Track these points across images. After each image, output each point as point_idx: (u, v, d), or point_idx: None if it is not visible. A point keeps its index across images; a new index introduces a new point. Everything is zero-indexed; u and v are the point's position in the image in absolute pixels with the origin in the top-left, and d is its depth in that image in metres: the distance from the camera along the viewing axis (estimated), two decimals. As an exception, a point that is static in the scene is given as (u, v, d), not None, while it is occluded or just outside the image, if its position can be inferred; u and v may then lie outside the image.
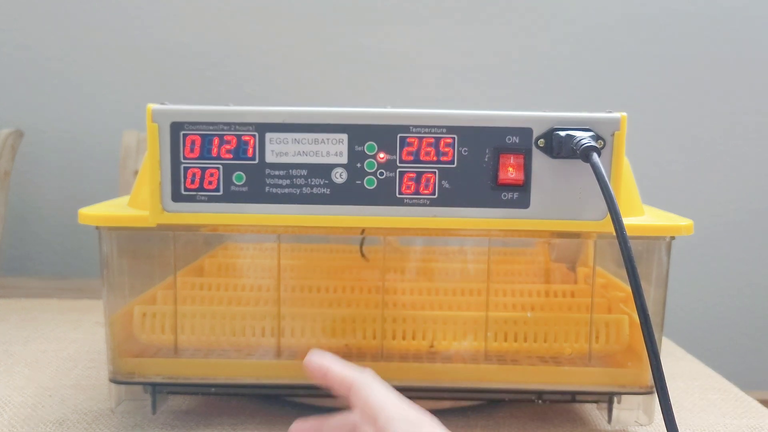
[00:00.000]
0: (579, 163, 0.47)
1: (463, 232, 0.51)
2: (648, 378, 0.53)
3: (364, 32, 1.20)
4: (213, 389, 0.55)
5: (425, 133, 0.48)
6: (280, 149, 0.49)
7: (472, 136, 0.48)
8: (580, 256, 0.67)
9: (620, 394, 0.54)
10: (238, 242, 0.73)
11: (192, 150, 0.49)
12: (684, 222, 0.52)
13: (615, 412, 0.55)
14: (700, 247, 1.25)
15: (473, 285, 0.64)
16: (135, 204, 0.54)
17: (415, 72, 1.21)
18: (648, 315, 0.41)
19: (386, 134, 0.48)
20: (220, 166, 0.49)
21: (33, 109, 1.20)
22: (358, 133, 0.48)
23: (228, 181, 0.49)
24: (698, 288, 1.27)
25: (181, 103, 0.50)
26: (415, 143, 0.48)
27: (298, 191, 0.49)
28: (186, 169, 0.49)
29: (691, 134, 1.24)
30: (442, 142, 0.48)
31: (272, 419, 0.55)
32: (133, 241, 0.55)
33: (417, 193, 0.49)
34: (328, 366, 0.43)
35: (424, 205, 0.49)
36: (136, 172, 1.07)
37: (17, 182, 1.19)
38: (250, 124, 0.48)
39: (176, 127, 0.48)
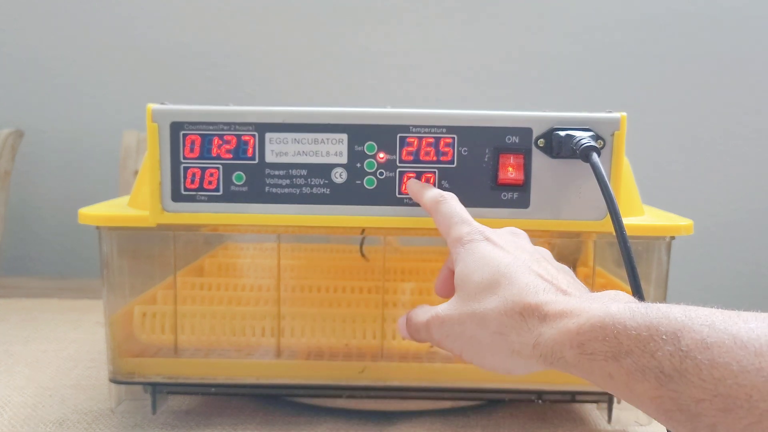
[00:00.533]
0: (579, 163, 0.47)
1: (463, 232, 0.51)
2: (648, 378, 0.53)
3: (364, 32, 1.20)
4: (213, 389, 0.55)
5: (425, 133, 0.48)
6: (280, 149, 0.49)
7: (471, 136, 0.48)
8: (579, 256, 0.67)
9: (620, 394, 0.54)
10: (238, 242, 0.73)
11: (192, 150, 0.49)
12: (684, 222, 0.52)
13: (615, 412, 0.55)
14: (700, 247, 1.25)
15: (473, 285, 0.64)
16: (135, 204, 0.54)
17: (415, 72, 1.21)
18: (648, 315, 0.41)
19: (386, 134, 0.48)
20: (220, 166, 0.49)
21: (33, 109, 1.20)
22: (358, 133, 0.48)
23: (228, 181, 0.49)
24: (698, 288, 1.27)
25: (181, 103, 0.50)
26: (415, 143, 0.48)
27: (298, 191, 0.49)
28: (186, 169, 0.49)
29: (691, 134, 1.24)
30: (441, 142, 0.48)
31: (272, 419, 0.55)
32: (133, 241, 0.55)
33: (417, 193, 0.49)
34: (417, 190, 0.48)
35: (424, 205, 0.49)
36: (136, 172, 1.07)
37: (17, 182, 1.19)
38: (250, 124, 0.48)
39: (176, 127, 0.48)
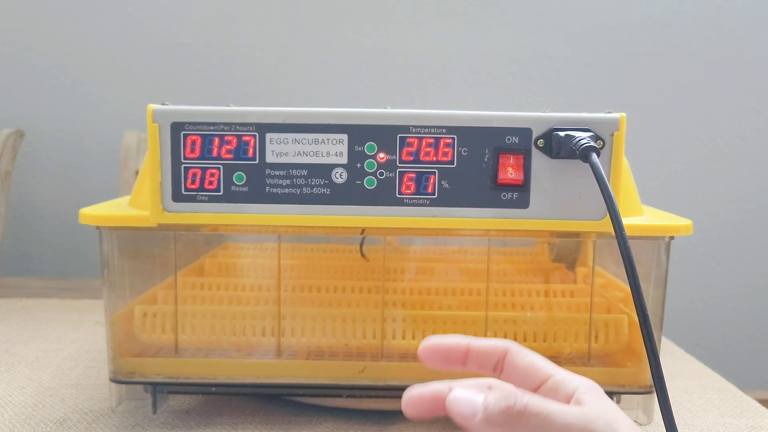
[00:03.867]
0: (578, 164, 0.48)
1: (462, 232, 0.52)
2: (647, 377, 0.54)
3: (364, 32, 1.20)
4: (213, 389, 0.55)
5: (425, 133, 0.48)
6: (280, 149, 0.49)
7: (471, 136, 0.48)
8: (579, 256, 0.67)
9: (619, 393, 0.55)
10: (238, 242, 0.73)
11: (192, 150, 0.49)
12: (683, 222, 0.52)
13: (614, 411, 0.55)
14: (700, 247, 1.25)
15: (473, 285, 0.64)
16: (136, 204, 0.54)
17: (415, 72, 1.21)
18: (647, 315, 0.42)
19: (386, 134, 0.49)
20: (221, 166, 0.49)
21: (33, 109, 1.20)
22: (358, 134, 0.49)
23: (228, 181, 0.49)
24: (697, 288, 1.27)
25: (181, 103, 0.50)
26: (415, 143, 0.48)
27: (299, 191, 0.49)
28: (186, 169, 0.49)
29: (691, 134, 1.24)
30: (441, 143, 0.48)
31: (272, 419, 0.56)
32: (134, 241, 0.55)
33: (417, 193, 0.49)
34: (468, 342, 0.39)
35: (423, 205, 0.49)
36: (136, 172, 1.07)
37: (18, 182, 1.19)
38: (251, 125, 0.49)
39: (177, 128, 0.49)
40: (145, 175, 0.52)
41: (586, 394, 0.35)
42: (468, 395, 0.33)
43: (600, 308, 0.59)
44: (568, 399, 0.35)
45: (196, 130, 0.49)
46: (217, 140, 0.49)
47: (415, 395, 0.36)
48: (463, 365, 0.39)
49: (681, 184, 1.24)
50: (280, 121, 0.49)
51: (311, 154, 0.49)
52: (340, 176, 0.49)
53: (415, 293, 0.63)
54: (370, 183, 0.49)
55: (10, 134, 1.10)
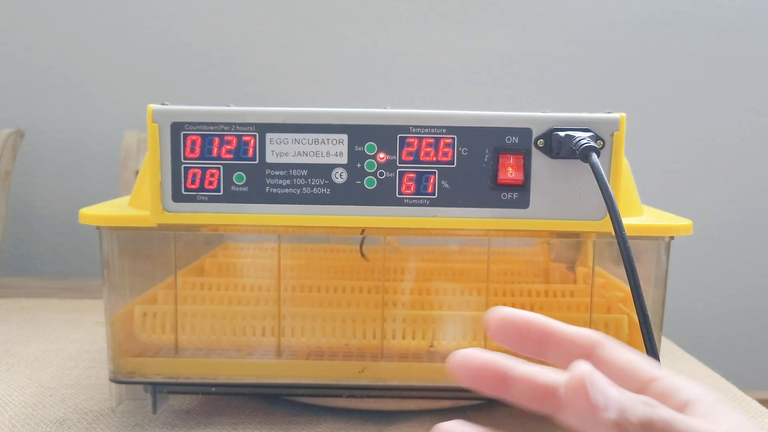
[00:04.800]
0: (578, 164, 0.48)
1: (462, 232, 0.51)
2: (647, 377, 0.53)
3: (364, 32, 1.20)
4: (213, 389, 0.55)
5: (425, 133, 0.48)
6: (280, 149, 0.49)
7: (471, 136, 0.48)
8: (579, 256, 0.67)
9: (619, 393, 0.54)
10: (238, 242, 0.73)
11: (192, 150, 0.49)
12: (683, 222, 0.52)
13: (614, 411, 0.55)
14: (700, 247, 1.25)
15: (473, 285, 0.64)
16: (136, 204, 0.54)
17: (415, 72, 1.21)
18: (647, 315, 0.42)
19: (386, 134, 0.49)
20: (221, 167, 0.49)
21: (33, 109, 1.20)
22: (358, 134, 0.49)
23: (228, 181, 0.49)
24: (698, 288, 1.27)
25: (181, 103, 0.50)
26: (415, 143, 0.48)
27: (298, 191, 0.49)
28: (186, 169, 0.49)
29: (691, 134, 1.24)
30: (441, 143, 0.48)
31: (272, 419, 0.55)
32: (134, 241, 0.55)
33: (417, 193, 0.49)
34: (548, 322, 0.30)
35: (423, 205, 0.49)
36: (136, 173, 1.07)
37: (18, 182, 1.19)
38: (251, 125, 0.49)
39: (177, 128, 0.49)
40: (145, 175, 0.52)
41: (717, 409, 0.27)
42: (604, 380, 0.26)
43: (600, 308, 0.59)
44: (680, 410, 0.28)
45: (196, 130, 0.49)
46: (217, 140, 0.49)
47: (478, 362, 0.29)
48: (539, 350, 0.32)
49: (681, 184, 1.24)
50: (280, 121, 0.49)
51: (311, 154, 0.49)
52: (340, 176, 0.49)
53: (415, 293, 0.63)
54: (370, 183, 0.49)
55: (10, 134, 1.10)
